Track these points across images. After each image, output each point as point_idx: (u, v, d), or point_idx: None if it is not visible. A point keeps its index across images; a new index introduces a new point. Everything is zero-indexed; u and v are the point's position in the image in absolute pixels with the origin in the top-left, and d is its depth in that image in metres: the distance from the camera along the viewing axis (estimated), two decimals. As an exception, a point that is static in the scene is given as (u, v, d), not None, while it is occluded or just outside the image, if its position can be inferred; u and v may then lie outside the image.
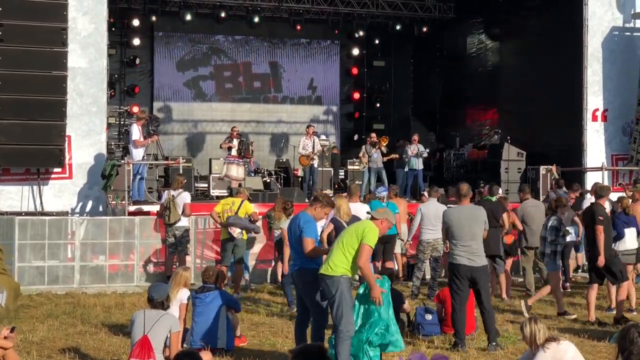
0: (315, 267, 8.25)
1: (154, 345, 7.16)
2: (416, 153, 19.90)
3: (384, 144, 19.82)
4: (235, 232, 12.98)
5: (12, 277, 4.82)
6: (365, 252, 7.69)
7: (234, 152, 18.54)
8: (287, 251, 11.64)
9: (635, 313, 11.63)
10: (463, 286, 9.34)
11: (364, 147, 20.30)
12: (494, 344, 9.16)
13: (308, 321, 8.38)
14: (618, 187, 17.91)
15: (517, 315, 11.46)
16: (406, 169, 20.03)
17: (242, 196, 13.50)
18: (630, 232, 11.94)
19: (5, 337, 5.69)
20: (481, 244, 9.41)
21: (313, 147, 19.32)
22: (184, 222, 13.91)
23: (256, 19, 24.52)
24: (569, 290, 13.97)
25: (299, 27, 25.37)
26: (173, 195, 13.76)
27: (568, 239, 14.14)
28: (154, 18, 24.18)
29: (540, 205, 13.75)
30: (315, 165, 19.66)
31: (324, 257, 8.11)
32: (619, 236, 11.86)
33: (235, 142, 18.67)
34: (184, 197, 13.92)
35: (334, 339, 7.70)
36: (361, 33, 26.25)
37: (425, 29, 25.74)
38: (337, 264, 7.74)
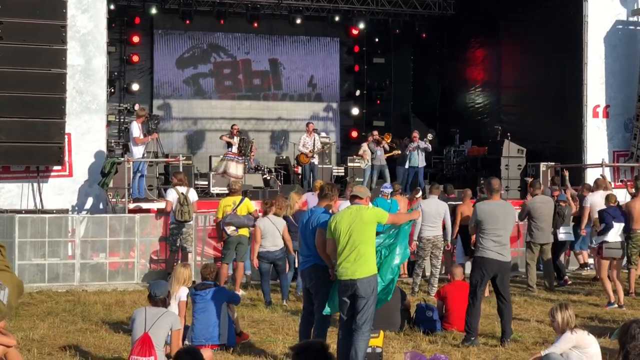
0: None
1: (154, 342, 7.16)
2: (423, 147, 19.83)
3: (388, 141, 19.77)
4: (230, 229, 12.89)
5: (15, 274, 4.79)
6: (390, 217, 8.01)
7: (234, 149, 18.51)
8: (255, 247, 12.09)
9: (624, 309, 11.66)
10: (485, 280, 9.40)
11: (364, 144, 20.22)
12: (508, 340, 9.18)
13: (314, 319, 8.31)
14: (620, 183, 17.87)
15: (518, 312, 11.45)
16: (407, 166, 20.00)
17: (239, 194, 13.47)
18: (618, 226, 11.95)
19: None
20: (509, 240, 9.50)
21: (313, 145, 19.30)
22: None
23: (255, 24, 24.51)
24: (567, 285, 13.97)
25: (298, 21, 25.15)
26: (183, 193, 13.69)
27: (564, 237, 14.11)
28: (153, 15, 24.14)
29: (549, 202, 13.62)
30: (316, 163, 19.65)
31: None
32: (608, 227, 11.89)
33: (236, 139, 18.64)
34: (194, 195, 13.94)
35: (357, 336, 7.61)
36: (361, 29, 26.23)
37: (425, 26, 25.70)
38: (373, 263, 7.74)
